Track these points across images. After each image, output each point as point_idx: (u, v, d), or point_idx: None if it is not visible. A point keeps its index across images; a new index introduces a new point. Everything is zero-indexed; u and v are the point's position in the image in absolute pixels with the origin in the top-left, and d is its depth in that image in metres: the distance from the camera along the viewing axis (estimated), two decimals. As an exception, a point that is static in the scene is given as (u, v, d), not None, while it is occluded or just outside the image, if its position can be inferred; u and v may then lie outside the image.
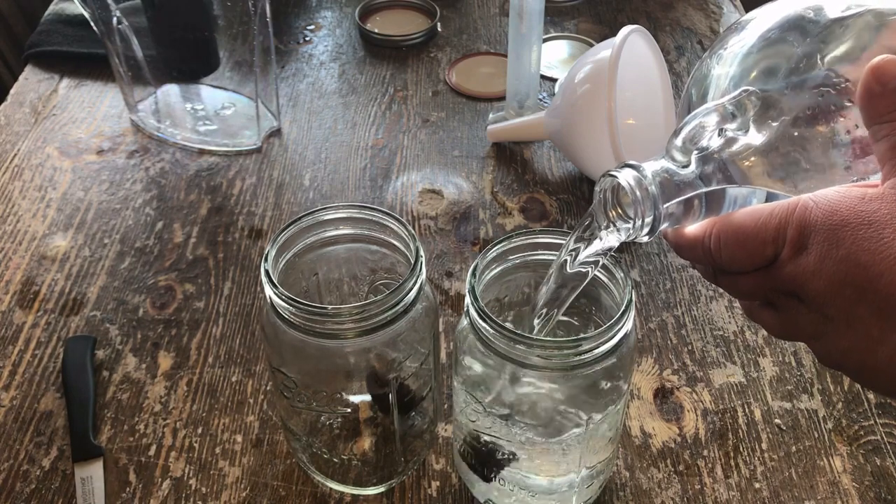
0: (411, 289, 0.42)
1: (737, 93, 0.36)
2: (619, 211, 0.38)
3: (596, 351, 0.39)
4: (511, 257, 0.44)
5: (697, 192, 0.37)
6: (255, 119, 0.78)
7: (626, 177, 0.36)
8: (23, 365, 0.58)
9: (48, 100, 0.83)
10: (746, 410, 0.56)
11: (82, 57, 0.87)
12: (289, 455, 0.53)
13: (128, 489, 0.51)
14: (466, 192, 0.73)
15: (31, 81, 0.85)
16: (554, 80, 0.86)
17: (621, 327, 0.39)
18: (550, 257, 0.44)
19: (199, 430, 0.55)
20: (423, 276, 0.43)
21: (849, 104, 0.35)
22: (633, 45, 0.66)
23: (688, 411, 0.56)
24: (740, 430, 0.55)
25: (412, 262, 0.43)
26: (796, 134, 0.36)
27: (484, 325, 0.39)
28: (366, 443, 0.50)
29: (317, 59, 0.89)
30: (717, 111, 0.36)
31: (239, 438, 0.54)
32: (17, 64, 1.14)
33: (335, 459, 0.50)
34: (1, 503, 0.51)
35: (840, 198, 0.35)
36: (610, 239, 0.38)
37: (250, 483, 0.52)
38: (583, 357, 0.39)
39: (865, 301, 0.34)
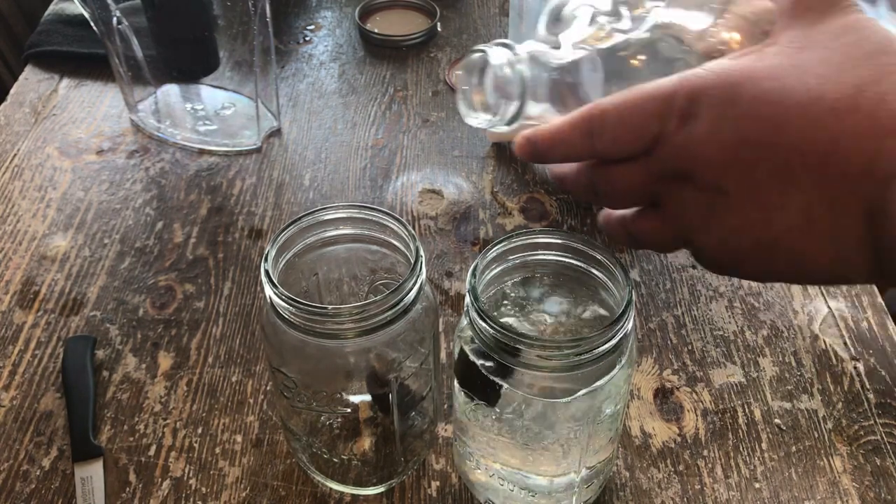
0: (411, 289, 0.42)
1: None
2: (485, 93, 0.36)
3: (596, 351, 0.39)
4: (511, 257, 0.44)
5: (567, 77, 0.36)
6: (255, 119, 0.78)
7: (496, 54, 0.35)
8: (23, 365, 0.58)
9: (48, 100, 0.83)
10: (746, 410, 0.56)
11: (82, 57, 0.87)
12: (289, 455, 0.53)
13: (128, 489, 0.51)
14: (466, 192, 0.73)
15: (31, 81, 0.85)
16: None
17: (621, 327, 0.39)
18: (550, 257, 0.44)
19: (199, 430, 0.55)
20: (423, 276, 0.43)
21: None
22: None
23: (688, 411, 0.56)
24: (740, 430, 0.55)
25: (412, 262, 0.43)
26: (668, 21, 0.35)
27: (484, 325, 0.39)
28: (366, 443, 0.50)
29: (317, 59, 0.89)
30: None
31: (239, 438, 0.54)
32: (17, 64, 1.14)
33: (335, 459, 0.50)
34: (1, 503, 0.51)
35: (734, 61, 0.34)
36: (471, 122, 0.37)
37: (250, 483, 0.52)
38: (582, 357, 0.39)
39: (765, 161, 0.32)
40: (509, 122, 0.35)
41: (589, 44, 0.35)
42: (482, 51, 0.35)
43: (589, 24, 0.35)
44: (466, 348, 0.42)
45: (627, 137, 0.35)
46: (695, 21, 0.36)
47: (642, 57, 0.36)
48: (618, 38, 0.35)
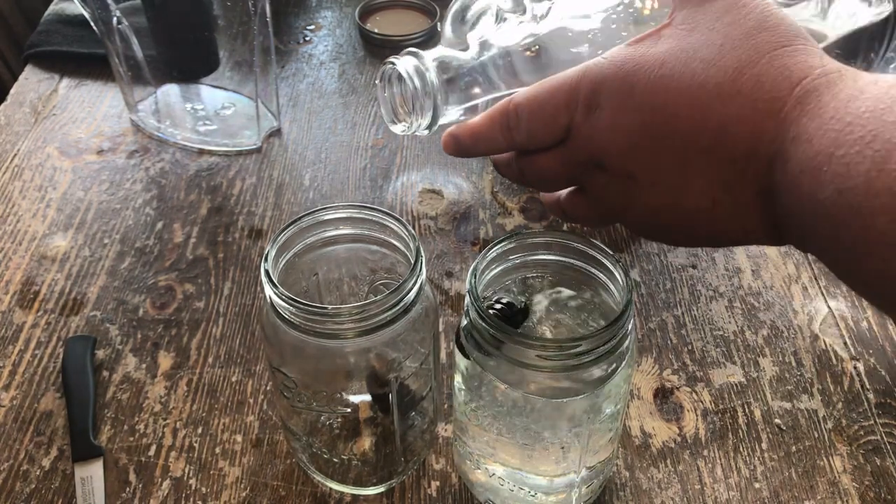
0: (411, 289, 0.42)
1: None
2: (403, 101, 0.37)
3: (596, 351, 0.39)
4: (511, 257, 0.44)
5: (474, 74, 0.37)
6: (255, 119, 0.78)
7: (405, 64, 0.36)
8: (23, 365, 0.58)
9: (48, 100, 0.83)
10: (746, 410, 0.56)
11: (82, 57, 0.87)
12: (289, 455, 0.53)
13: (128, 489, 0.51)
14: (466, 192, 0.73)
15: (31, 81, 0.85)
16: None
17: (621, 327, 0.39)
18: (550, 257, 0.44)
19: (199, 430, 0.55)
20: (423, 276, 0.43)
21: None
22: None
23: (688, 411, 0.56)
24: (740, 430, 0.55)
25: (412, 262, 0.43)
26: (571, 15, 0.36)
27: (484, 325, 0.39)
28: (366, 443, 0.50)
29: (317, 59, 0.89)
30: None
31: (239, 438, 0.54)
32: (17, 64, 1.14)
33: (335, 459, 0.50)
34: (1, 503, 0.51)
35: (632, 49, 0.34)
36: (395, 129, 0.38)
37: (250, 483, 0.52)
38: (582, 357, 0.39)
39: (666, 148, 0.33)
40: (428, 127, 0.37)
41: (496, 41, 0.36)
42: (392, 63, 0.36)
43: (495, 21, 0.36)
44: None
45: (541, 129, 0.36)
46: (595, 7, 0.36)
47: (546, 47, 0.36)
48: (524, 32, 0.36)
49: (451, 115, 0.38)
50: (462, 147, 0.40)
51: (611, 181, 0.36)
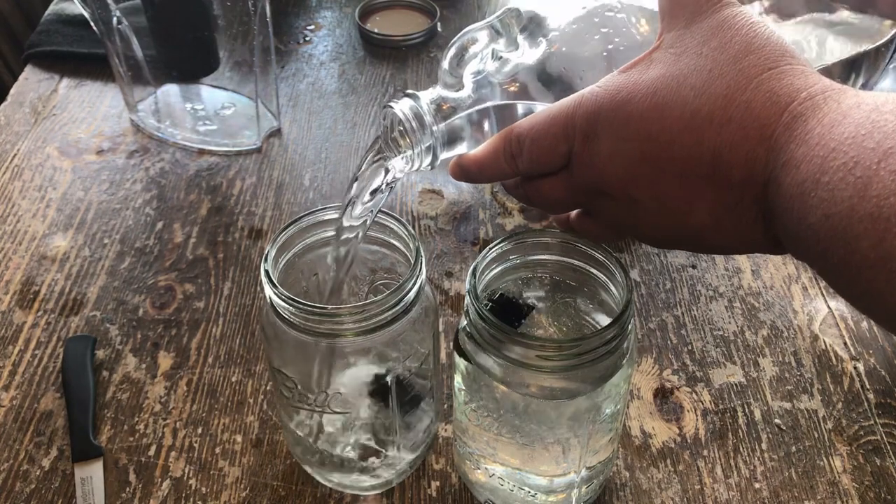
0: (411, 289, 0.42)
1: (500, 11, 0.37)
2: (407, 140, 0.38)
3: (596, 351, 0.39)
4: (511, 257, 0.44)
5: (472, 110, 0.38)
6: (255, 119, 0.78)
7: (402, 107, 0.37)
8: (23, 365, 0.58)
9: (48, 100, 0.83)
10: (746, 410, 0.56)
11: (82, 57, 0.87)
12: (289, 455, 0.53)
13: (128, 489, 0.51)
14: (466, 192, 0.73)
15: (31, 81, 0.85)
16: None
17: (621, 327, 0.39)
18: (550, 257, 0.44)
19: (199, 430, 0.55)
20: (423, 276, 0.43)
21: (609, 14, 0.36)
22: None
23: (687, 411, 0.56)
24: (740, 430, 0.55)
25: (412, 262, 0.43)
26: (565, 49, 0.36)
27: (483, 325, 0.39)
28: (366, 442, 0.50)
29: (317, 59, 0.89)
30: (479, 30, 0.37)
31: (239, 438, 0.54)
32: (17, 64, 1.14)
33: (335, 459, 0.50)
34: (1, 503, 0.51)
35: (624, 76, 0.35)
36: (396, 164, 0.39)
37: (250, 483, 0.52)
38: (582, 357, 0.39)
39: (665, 175, 0.34)
40: (430, 164, 0.38)
41: (491, 78, 0.39)
42: (390, 106, 0.37)
43: (492, 59, 0.37)
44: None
45: (542, 158, 0.37)
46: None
47: (540, 79, 0.39)
48: (518, 67, 0.38)
49: (453, 150, 0.39)
50: (469, 175, 0.41)
51: (616, 205, 0.37)
